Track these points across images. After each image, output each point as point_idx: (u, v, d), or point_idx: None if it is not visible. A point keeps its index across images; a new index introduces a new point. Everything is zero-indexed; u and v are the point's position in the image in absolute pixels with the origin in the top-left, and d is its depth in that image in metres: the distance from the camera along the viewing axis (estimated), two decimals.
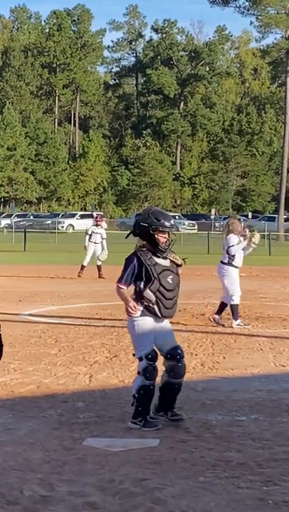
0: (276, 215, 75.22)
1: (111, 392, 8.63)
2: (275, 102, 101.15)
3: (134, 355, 7.43)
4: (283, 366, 10.42)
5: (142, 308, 7.20)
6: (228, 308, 14.41)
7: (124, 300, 7.34)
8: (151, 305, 7.16)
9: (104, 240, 25.35)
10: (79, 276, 24.55)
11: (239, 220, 14.97)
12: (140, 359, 7.20)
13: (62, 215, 77.74)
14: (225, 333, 13.43)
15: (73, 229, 66.81)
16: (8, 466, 5.98)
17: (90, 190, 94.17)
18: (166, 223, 7.23)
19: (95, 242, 25.20)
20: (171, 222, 7.33)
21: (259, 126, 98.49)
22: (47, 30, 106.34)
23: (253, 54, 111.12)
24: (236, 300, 14.13)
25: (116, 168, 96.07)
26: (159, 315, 7.19)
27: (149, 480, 5.65)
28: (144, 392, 7.13)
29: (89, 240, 25.35)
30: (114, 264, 29.59)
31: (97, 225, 25.83)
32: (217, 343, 12.25)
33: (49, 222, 72.65)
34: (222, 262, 14.26)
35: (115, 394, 8.55)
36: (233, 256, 14.05)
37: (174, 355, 7.28)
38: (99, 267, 25.04)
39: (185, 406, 8.04)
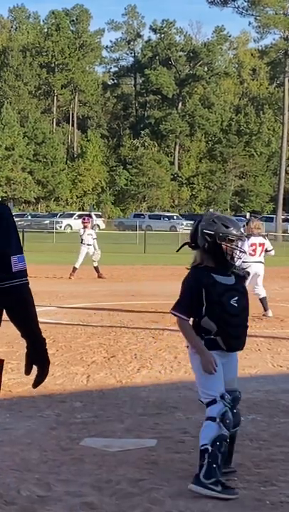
0: (274, 216, 75.32)
1: (108, 392, 8.63)
2: (274, 103, 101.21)
3: (200, 401, 5.77)
4: (281, 367, 10.42)
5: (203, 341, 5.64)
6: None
7: (193, 342, 5.63)
8: (212, 336, 5.62)
9: (95, 240, 25.30)
10: (70, 278, 24.49)
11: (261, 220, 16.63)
12: (213, 402, 5.59)
13: (61, 215, 77.76)
14: None
15: (71, 229, 66.82)
16: (5, 466, 5.98)
17: (88, 190, 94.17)
18: (237, 231, 5.75)
19: (88, 244, 25.11)
20: (241, 230, 5.98)
21: (257, 126, 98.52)
22: (45, 30, 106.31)
23: (252, 54, 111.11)
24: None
25: (114, 168, 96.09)
26: (225, 348, 5.69)
27: (146, 480, 5.65)
28: (221, 443, 5.51)
29: (81, 242, 25.29)
30: (112, 264, 29.68)
31: (84, 227, 25.76)
32: None
33: (47, 222, 72.68)
34: (262, 262, 15.41)
35: (113, 394, 8.55)
36: None
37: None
38: (96, 268, 25.02)
39: (183, 406, 8.06)
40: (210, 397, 5.59)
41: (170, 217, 78.69)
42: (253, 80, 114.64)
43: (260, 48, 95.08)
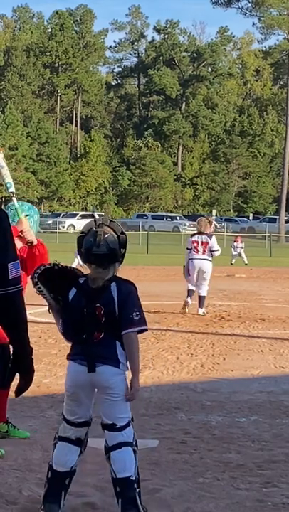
0: (277, 217, 75.31)
1: None
2: (277, 104, 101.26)
3: (120, 427, 4.97)
4: (283, 368, 10.42)
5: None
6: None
7: (138, 360, 5.01)
8: None
9: None
10: None
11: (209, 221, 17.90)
12: (127, 425, 4.96)
13: (64, 215, 77.84)
14: (225, 334, 13.44)
15: (74, 229, 66.85)
16: (7, 466, 5.98)
17: (91, 191, 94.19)
18: None
19: None
20: None
21: (261, 127, 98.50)
22: (49, 30, 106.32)
23: (255, 55, 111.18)
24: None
25: (117, 168, 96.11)
26: None
27: (148, 481, 5.64)
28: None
29: None
30: None
31: None
32: (217, 344, 12.25)
33: (50, 222, 72.73)
34: (208, 260, 16.13)
35: None
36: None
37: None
38: None
39: (185, 407, 8.05)
40: (126, 419, 4.95)
41: (173, 218, 78.72)
42: (256, 80, 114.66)
43: (263, 48, 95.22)
